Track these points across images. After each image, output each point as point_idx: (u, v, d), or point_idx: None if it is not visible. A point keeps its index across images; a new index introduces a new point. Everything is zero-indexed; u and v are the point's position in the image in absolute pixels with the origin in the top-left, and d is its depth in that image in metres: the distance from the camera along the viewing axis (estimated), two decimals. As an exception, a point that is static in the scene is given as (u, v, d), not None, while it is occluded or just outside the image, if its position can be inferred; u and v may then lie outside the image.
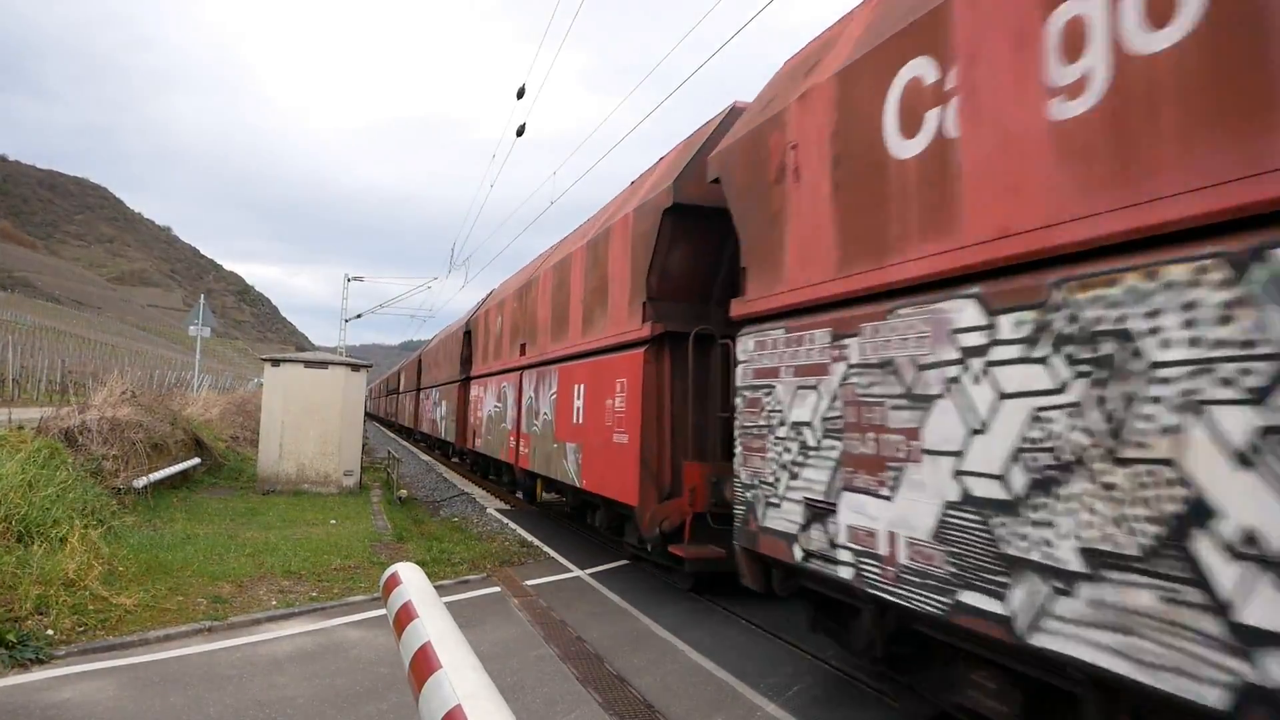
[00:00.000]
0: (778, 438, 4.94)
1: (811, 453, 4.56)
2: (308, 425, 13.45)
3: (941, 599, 3.48)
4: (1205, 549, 2.39)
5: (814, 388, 4.56)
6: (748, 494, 5.30)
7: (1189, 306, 2.48)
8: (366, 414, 47.46)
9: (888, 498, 3.87)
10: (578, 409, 8.93)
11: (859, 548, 4.07)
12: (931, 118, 3.69)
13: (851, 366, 4.21)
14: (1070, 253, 2.93)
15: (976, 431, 3.30)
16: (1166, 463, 2.52)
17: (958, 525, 3.39)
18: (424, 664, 2.53)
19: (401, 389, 35.94)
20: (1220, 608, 2.33)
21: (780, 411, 4.93)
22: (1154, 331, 2.59)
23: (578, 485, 8.90)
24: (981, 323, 3.32)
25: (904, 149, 3.88)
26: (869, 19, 4.55)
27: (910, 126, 3.84)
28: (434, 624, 2.81)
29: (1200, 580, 2.40)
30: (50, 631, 5.31)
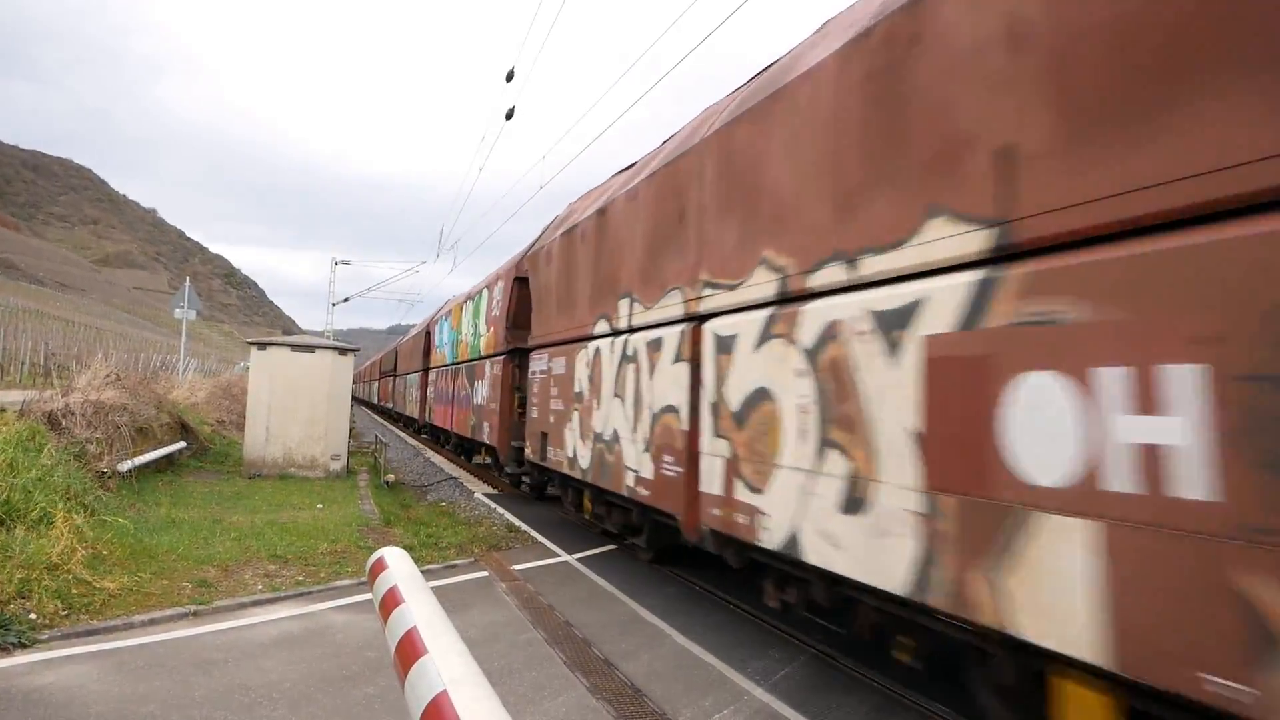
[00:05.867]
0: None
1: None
2: (294, 409, 13.37)
3: None
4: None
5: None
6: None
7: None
8: (365, 403, 46.25)
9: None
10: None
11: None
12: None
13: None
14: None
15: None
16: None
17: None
18: (410, 649, 2.51)
19: (434, 362, 21.11)
20: None
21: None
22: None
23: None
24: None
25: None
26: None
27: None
28: (420, 609, 2.80)
29: None
30: (33, 615, 5.27)
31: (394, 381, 35.06)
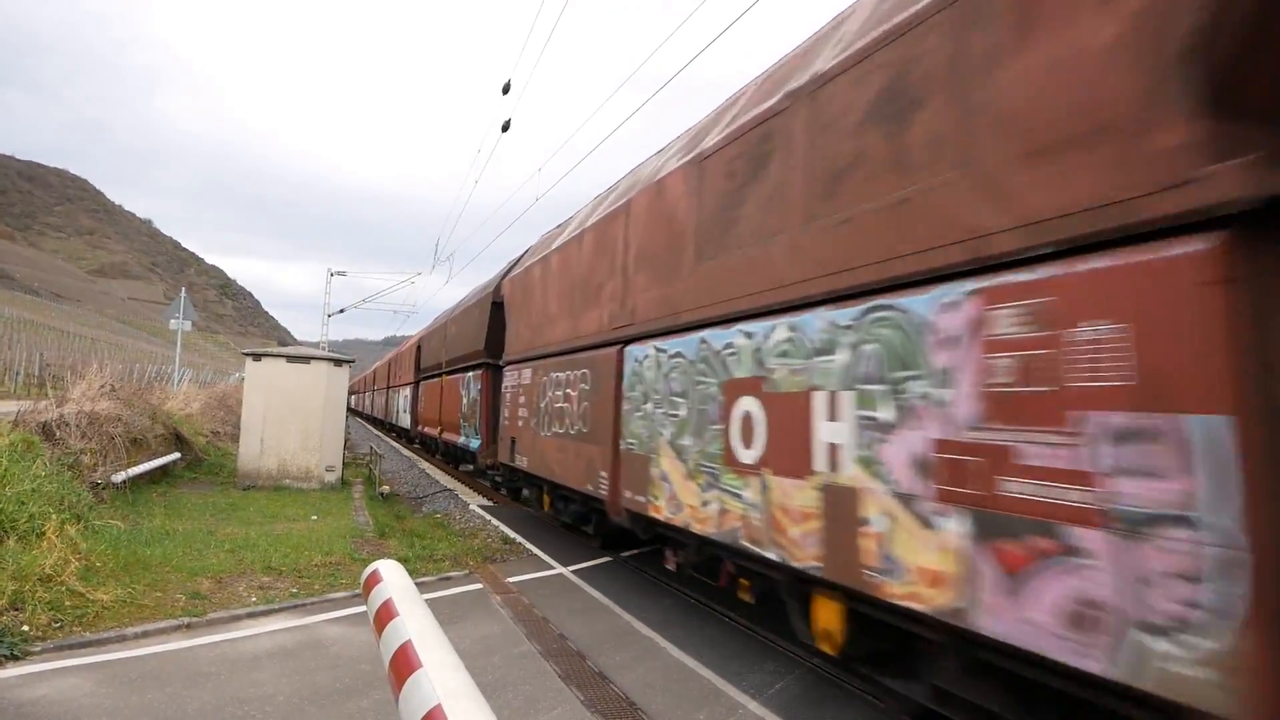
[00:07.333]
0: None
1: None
2: (289, 420, 13.36)
3: None
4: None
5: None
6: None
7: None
8: (378, 422, 41.47)
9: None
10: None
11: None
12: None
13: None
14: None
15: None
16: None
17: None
18: (404, 663, 2.52)
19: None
20: None
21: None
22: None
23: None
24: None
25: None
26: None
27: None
28: (415, 622, 2.81)
29: None
30: (26, 628, 5.25)
31: (469, 386, 14.73)
